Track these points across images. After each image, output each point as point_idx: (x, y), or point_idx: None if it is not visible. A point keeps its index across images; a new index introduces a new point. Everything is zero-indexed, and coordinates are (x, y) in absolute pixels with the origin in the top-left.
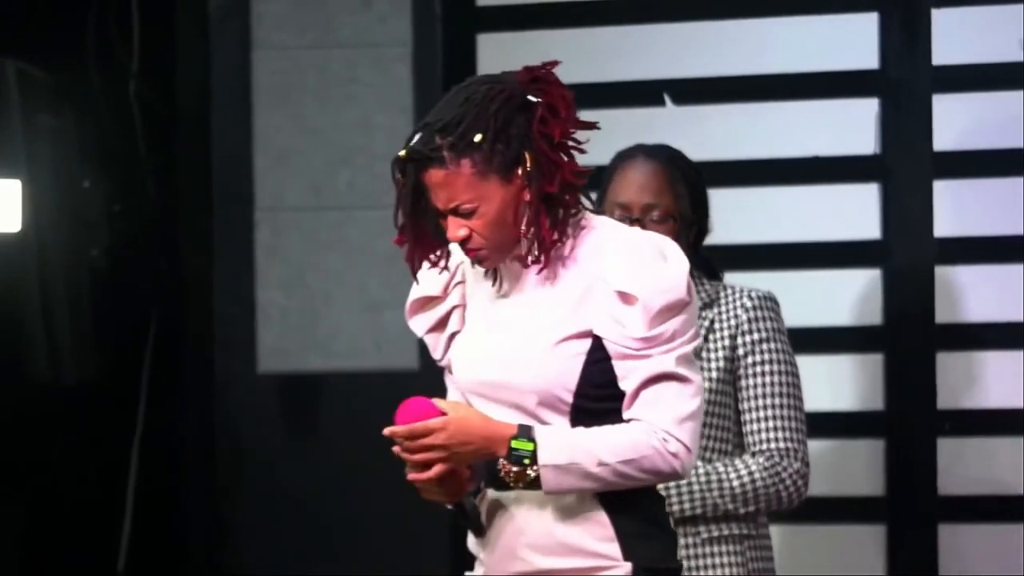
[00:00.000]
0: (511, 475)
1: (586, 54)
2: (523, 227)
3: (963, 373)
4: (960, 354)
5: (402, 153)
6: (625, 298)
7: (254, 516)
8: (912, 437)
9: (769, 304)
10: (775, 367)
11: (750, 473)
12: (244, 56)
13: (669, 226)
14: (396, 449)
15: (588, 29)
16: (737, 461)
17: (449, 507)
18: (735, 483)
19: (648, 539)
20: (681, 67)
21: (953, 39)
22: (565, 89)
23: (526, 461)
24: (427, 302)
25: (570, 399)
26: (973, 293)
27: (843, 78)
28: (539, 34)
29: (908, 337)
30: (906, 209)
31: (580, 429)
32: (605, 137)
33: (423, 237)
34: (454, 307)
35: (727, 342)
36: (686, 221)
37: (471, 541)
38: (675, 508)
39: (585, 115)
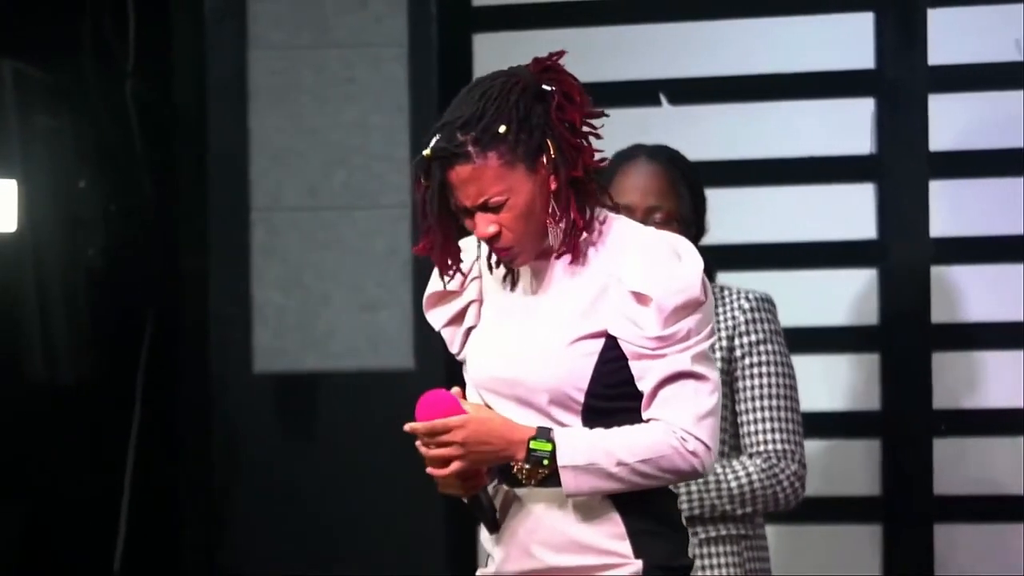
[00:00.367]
0: (524, 472)
1: (582, 54)
2: (552, 215)
3: (959, 373)
4: (956, 354)
5: (426, 153)
6: (640, 298)
7: (250, 516)
8: (908, 437)
9: (766, 306)
10: (772, 369)
11: (747, 474)
12: (240, 56)
13: (671, 228)
14: (418, 443)
15: (584, 29)
16: (734, 462)
17: (465, 500)
18: (732, 484)
19: (659, 537)
20: (677, 67)
21: (949, 39)
22: (574, 78)
23: (545, 462)
24: (444, 296)
25: (581, 398)
26: (969, 293)
27: (839, 78)
28: (535, 34)
29: (904, 337)
30: (902, 209)
31: (599, 430)
32: (602, 137)
33: (451, 236)
34: (471, 302)
35: (724, 343)
36: (687, 222)
37: (484, 536)
38: None
39: None
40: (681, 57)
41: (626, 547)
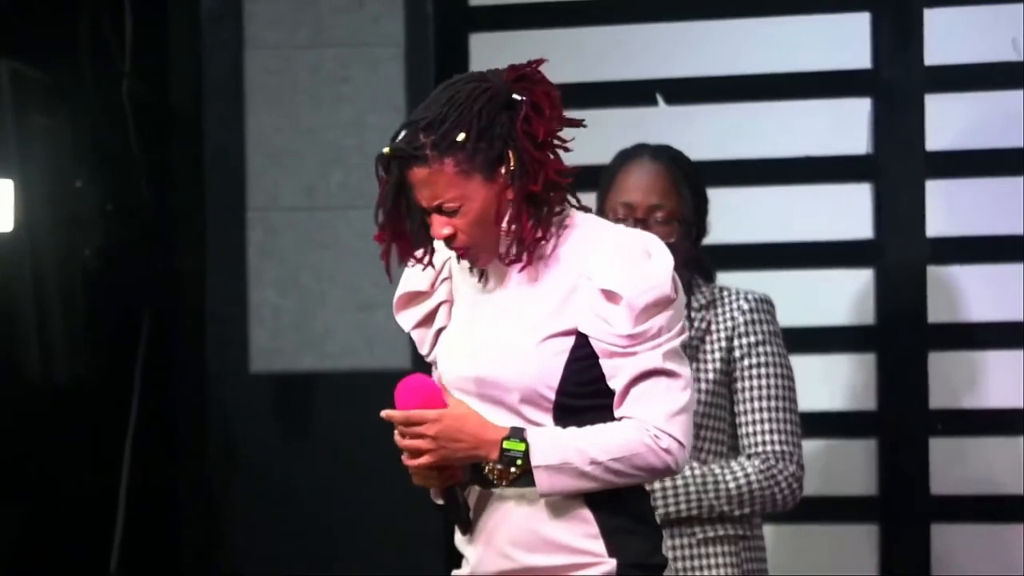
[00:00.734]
0: (495, 472)
1: (578, 54)
2: (504, 226)
3: (956, 373)
4: (953, 354)
5: (386, 150)
6: (610, 296)
7: (247, 516)
8: (905, 437)
9: (765, 307)
10: (771, 370)
11: (746, 475)
12: (237, 56)
13: (673, 227)
14: (395, 431)
15: (580, 29)
16: (733, 463)
17: (438, 502)
18: (731, 485)
19: (633, 535)
20: (673, 67)
21: (945, 39)
22: (551, 87)
23: (518, 462)
24: (414, 297)
25: (553, 396)
26: (966, 293)
27: (836, 78)
28: (531, 34)
29: (901, 337)
30: (899, 209)
31: (572, 429)
32: (597, 137)
33: (401, 235)
34: (441, 303)
35: (723, 344)
36: (688, 223)
37: (458, 538)
38: (671, 509)
39: (577, 115)
40: (677, 57)
41: (600, 546)
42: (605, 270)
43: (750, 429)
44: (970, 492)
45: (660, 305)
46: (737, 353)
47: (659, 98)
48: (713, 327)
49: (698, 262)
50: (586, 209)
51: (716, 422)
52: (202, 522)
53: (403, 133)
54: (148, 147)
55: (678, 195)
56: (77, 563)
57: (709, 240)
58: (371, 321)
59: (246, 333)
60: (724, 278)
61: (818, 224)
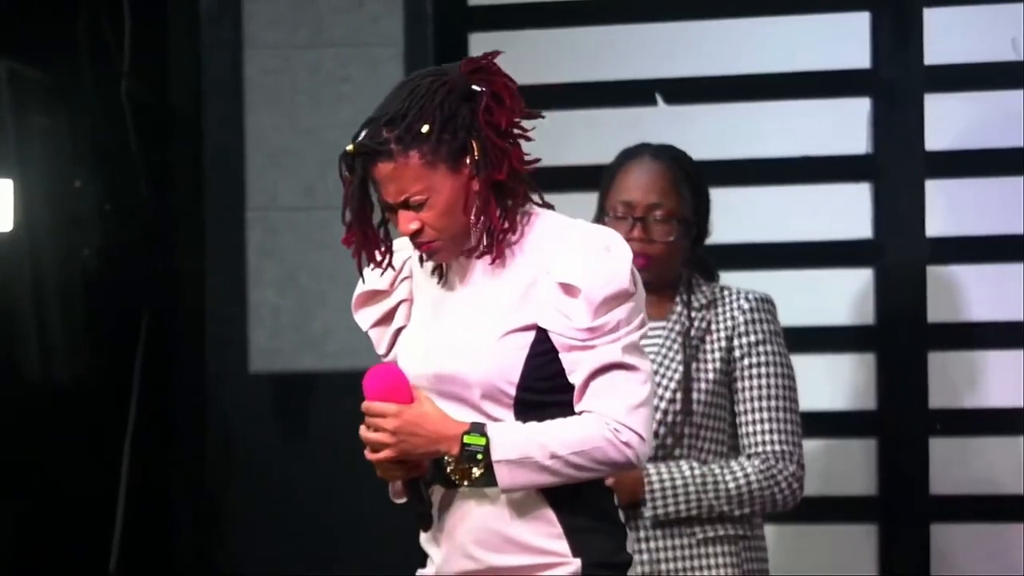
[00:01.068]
0: (457, 472)
1: (577, 53)
2: (473, 216)
3: (955, 372)
4: (952, 354)
5: (349, 148)
6: (568, 290)
7: (247, 515)
8: (904, 437)
9: (766, 306)
10: (771, 369)
11: (746, 475)
12: (236, 55)
13: (671, 226)
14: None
15: (579, 28)
16: (733, 463)
17: (397, 501)
18: (731, 485)
19: (597, 534)
20: (672, 66)
21: (945, 39)
22: (509, 79)
23: (479, 457)
24: (373, 296)
25: (513, 392)
26: (965, 292)
27: (835, 77)
28: (531, 33)
29: (900, 337)
30: (898, 209)
31: (532, 424)
32: (596, 136)
33: (370, 234)
34: (401, 302)
35: (724, 344)
36: (688, 222)
37: (423, 537)
38: (670, 509)
39: (576, 114)
40: (676, 57)
41: (563, 546)
42: (564, 264)
43: (750, 429)
44: (970, 492)
45: (619, 298)
46: (737, 352)
47: (658, 98)
48: (713, 326)
49: (700, 261)
50: (548, 205)
51: (716, 422)
52: (201, 521)
53: (365, 130)
54: (147, 147)
55: (678, 194)
56: (76, 563)
57: (708, 240)
58: None
59: (245, 333)
60: (724, 278)
61: (818, 224)
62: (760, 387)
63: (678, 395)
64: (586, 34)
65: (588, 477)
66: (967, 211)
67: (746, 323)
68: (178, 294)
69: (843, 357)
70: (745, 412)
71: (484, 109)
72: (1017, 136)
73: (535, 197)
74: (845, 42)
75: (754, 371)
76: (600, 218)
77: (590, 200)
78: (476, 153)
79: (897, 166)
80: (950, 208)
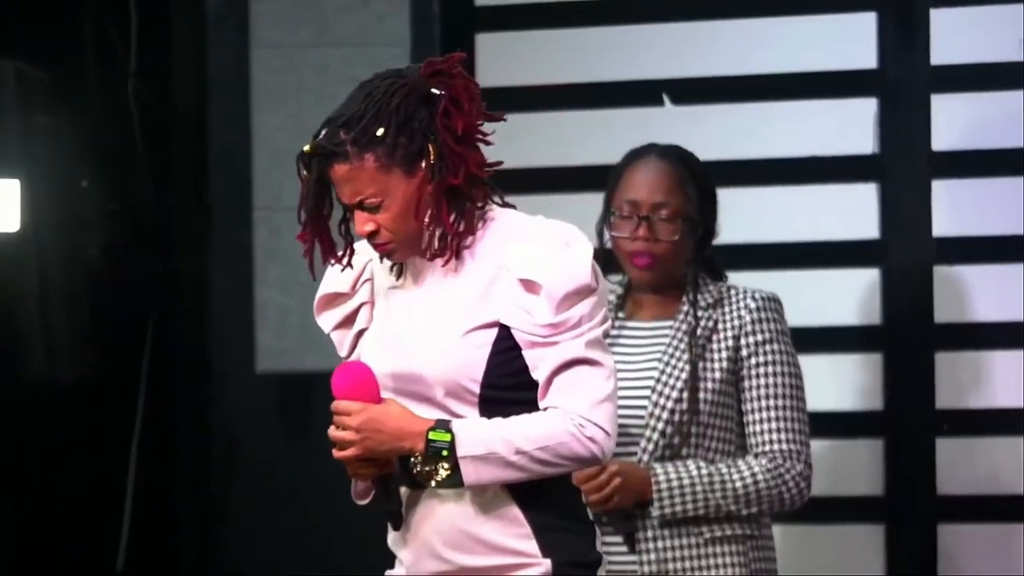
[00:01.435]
0: (423, 473)
1: (584, 54)
2: (426, 221)
3: (962, 373)
4: (959, 354)
5: (306, 148)
6: (529, 286)
7: (252, 516)
8: (911, 437)
9: (773, 305)
10: (778, 368)
11: (753, 474)
12: (242, 55)
13: (677, 225)
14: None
15: (586, 29)
16: (740, 462)
17: (360, 502)
18: (738, 484)
19: (566, 533)
20: (679, 66)
21: (951, 39)
22: (470, 81)
23: (444, 453)
24: (334, 298)
25: (477, 389)
26: (972, 293)
27: (841, 78)
28: (538, 34)
29: (907, 337)
30: (904, 209)
31: (497, 419)
32: (603, 137)
33: (324, 234)
34: (362, 304)
35: (731, 343)
36: (693, 222)
37: (391, 538)
38: (677, 509)
39: (583, 115)
40: (683, 57)
41: (533, 546)
42: (524, 260)
43: (757, 428)
44: (976, 492)
45: (580, 293)
46: (744, 352)
47: (665, 98)
48: (720, 326)
49: (707, 262)
50: (509, 205)
51: (723, 421)
52: (207, 522)
53: (323, 131)
54: (153, 147)
55: (683, 194)
56: (83, 564)
57: (715, 240)
58: None
59: (251, 333)
60: (731, 278)
61: (824, 224)
62: (767, 386)
63: (685, 394)
64: (593, 34)
65: (553, 473)
66: (973, 211)
67: (753, 322)
68: (184, 294)
69: (849, 357)
70: (752, 411)
71: (442, 113)
72: (1023, 136)
73: (496, 198)
74: (851, 42)
75: (761, 370)
76: (606, 217)
77: (598, 200)
78: (432, 157)
79: (903, 166)
80: (956, 208)
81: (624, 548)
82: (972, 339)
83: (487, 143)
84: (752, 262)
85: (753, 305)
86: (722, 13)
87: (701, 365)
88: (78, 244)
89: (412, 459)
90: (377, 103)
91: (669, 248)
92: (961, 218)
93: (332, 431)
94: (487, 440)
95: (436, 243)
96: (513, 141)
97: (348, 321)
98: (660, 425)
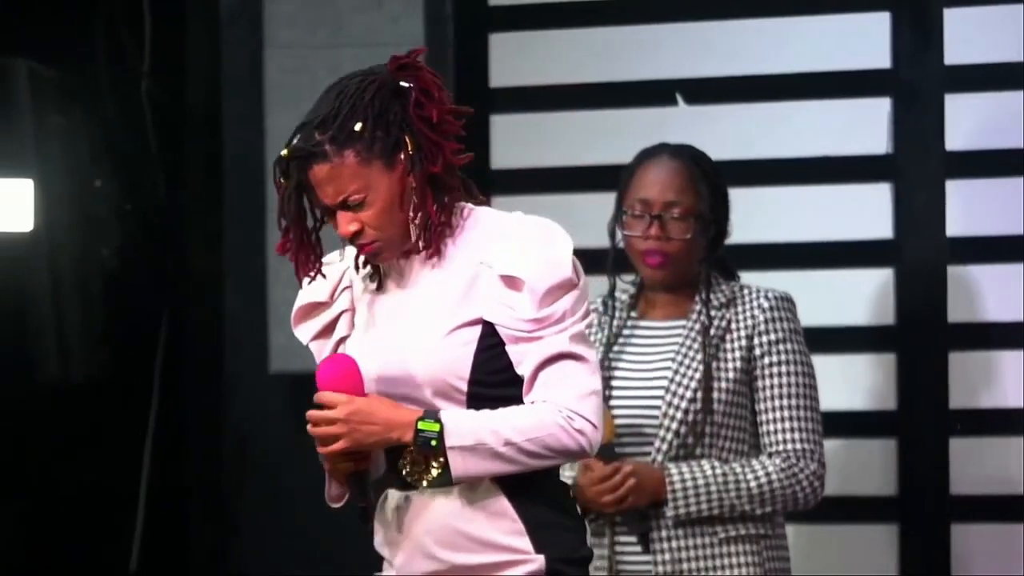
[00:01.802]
0: (413, 474)
1: (598, 53)
2: (411, 212)
3: (976, 373)
4: (972, 354)
5: (284, 153)
6: (511, 282)
7: (264, 516)
8: (924, 437)
9: (786, 305)
10: (792, 368)
11: (767, 474)
12: (255, 55)
13: (688, 224)
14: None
15: (600, 29)
16: (754, 462)
17: (333, 505)
18: (752, 484)
19: (558, 529)
20: (693, 67)
21: (965, 39)
22: (434, 74)
23: (433, 443)
24: (314, 308)
25: (465, 387)
26: (985, 292)
27: (855, 78)
28: (551, 34)
29: (920, 337)
30: (918, 208)
31: (486, 411)
32: (617, 136)
33: (306, 240)
34: (342, 312)
35: (744, 342)
36: (705, 221)
37: (378, 540)
38: (692, 508)
39: (597, 115)
40: (697, 57)
41: (526, 543)
42: (504, 257)
43: (771, 427)
44: (990, 492)
45: (563, 288)
46: (758, 351)
47: (679, 98)
48: (733, 325)
49: (719, 261)
50: (483, 202)
51: (737, 420)
52: (220, 522)
53: (298, 135)
54: (166, 147)
55: (695, 193)
56: (95, 564)
57: (728, 239)
58: None
59: (265, 333)
60: (743, 277)
61: (837, 224)
62: (781, 385)
63: (699, 394)
64: (606, 34)
65: (540, 465)
66: (987, 211)
67: (766, 321)
68: (197, 294)
69: (863, 357)
70: (766, 411)
71: (415, 104)
72: None
73: (471, 194)
74: (865, 42)
75: (774, 369)
76: (618, 217)
77: (610, 200)
78: (410, 148)
79: (917, 166)
80: (970, 208)
81: (638, 548)
82: (985, 339)
83: (460, 133)
84: (765, 262)
85: (766, 305)
86: (735, 13)
87: (715, 365)
88: (91, 244)
89: (401, 460)
90: (351, 99)
91: (681, 247)
92: (975, 218)
93: (314, 429)
94: (475, 430)
95: (422, 236)
96: (526, 141)
97: (327, 330)
98: (674, 425)
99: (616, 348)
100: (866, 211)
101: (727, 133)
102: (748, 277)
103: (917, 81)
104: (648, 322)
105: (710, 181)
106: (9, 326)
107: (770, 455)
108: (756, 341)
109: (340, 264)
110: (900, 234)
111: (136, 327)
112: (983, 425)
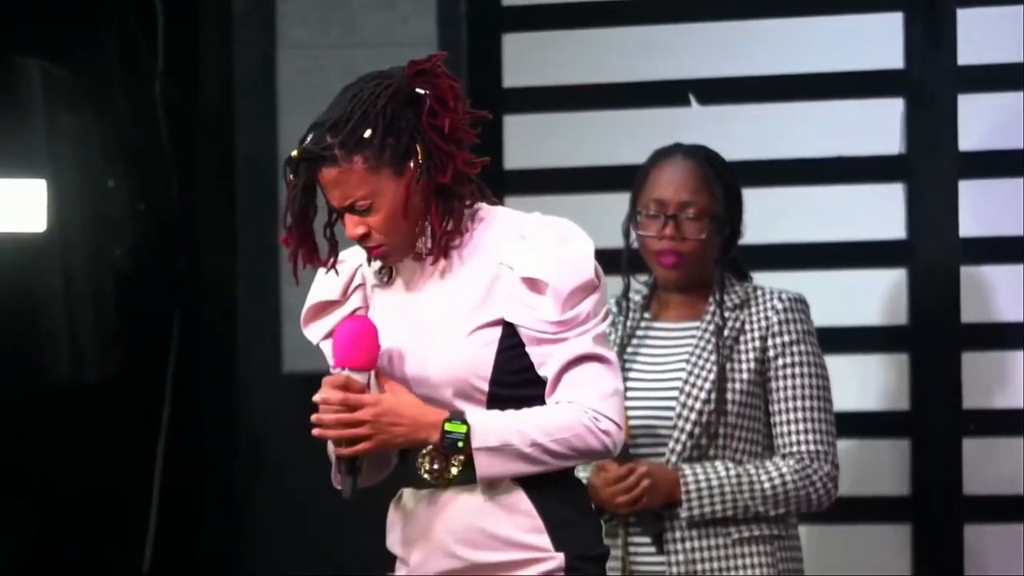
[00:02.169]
0: (434, 472)
1: (612, 54)
2: (415, 220)
3: (988, 373)
4: (985, 354)
5: (294, 153)
6: (534, 284)
7: (278, 516)
8: (937, 437)
9: (799, 306)
10: (805, 369)
11: (781, 475)
12: (268, 55)
13: (703, 224)
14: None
15: (614, 29)
16: (768, 463)
17: (338, 484)
18: (766, 485)
19: (576, 527)
20: (706, 67)
21: (978, 39)
22: (453, 80)
23: (460, 444)
24: (325, 307)
25: (486, 388)
26: (998, 293)
27: (868, 78)
28: (565, 34)
29: (933, 337)
30: (931, 209)
31: (511, 411)
32: (631, 137)
33: (307, 239)
34: (355, 310)
35: (757, 344)
36: (719, 221)
37: (391, 539)
38: (706, 510)
39: (611, 115)
40: (710, 57)
41: (545, 540)
42: (525, 258)
43: (785, 429)
44: (1003, 492)
45: (585, 289)
46: (771, 352)
47: (692, 98)
48: (747, 326)
49: (732, 262)
50: (497, 202)
51: (751, 422)
52: (234, 522)
53: (310, 135)
54: (179, 147)
55: (710, 193)
56: (108, 565)
57: (741, 240)
58: None
59: (278, 333)
60: (756, 278)
61: (850, 224)
62: (794, 387)
63: (712, 395)
64: (620, 34)
65: (563, 465)
66: (1000, 211)
67: (780, 323)
68: (210, 294)
69: (876, 357)
70: (779, 412)
71: (428, 112)
72: None
73: (484, 195)
74: (878, 43)
75: (788, 371)
76: (632, 217)
77: (625, 200)
78: (420, 157)
79: (930, 166)
80: (983, 208)
81: (652, 549)
82: (998, 339)
83: (474, 141)
84: (778, 262)
85: (780, 306)
86: (748, 13)
87: (728, 366)
88: (104, 244)
89: (420, 459)
90: (363, 105)
91: (696, 247)
92: (987, 218)
93: (341, 431)
94: (501, 431)
95: (427, 243)
96: (539, 141)
97: None
98: (688, 426)
99: (630, 349)
100: (879, 211)
101: (739, 133)
102: (761, 277)
103: (930, 81)
104: (662, 323)
105: (724, 181)
106: (22, 326)
107: (784, 456)
108: (770, 343)
109: (352, 261)
110: (913, 234)
111: (149, 327)
112: (996, 425)
